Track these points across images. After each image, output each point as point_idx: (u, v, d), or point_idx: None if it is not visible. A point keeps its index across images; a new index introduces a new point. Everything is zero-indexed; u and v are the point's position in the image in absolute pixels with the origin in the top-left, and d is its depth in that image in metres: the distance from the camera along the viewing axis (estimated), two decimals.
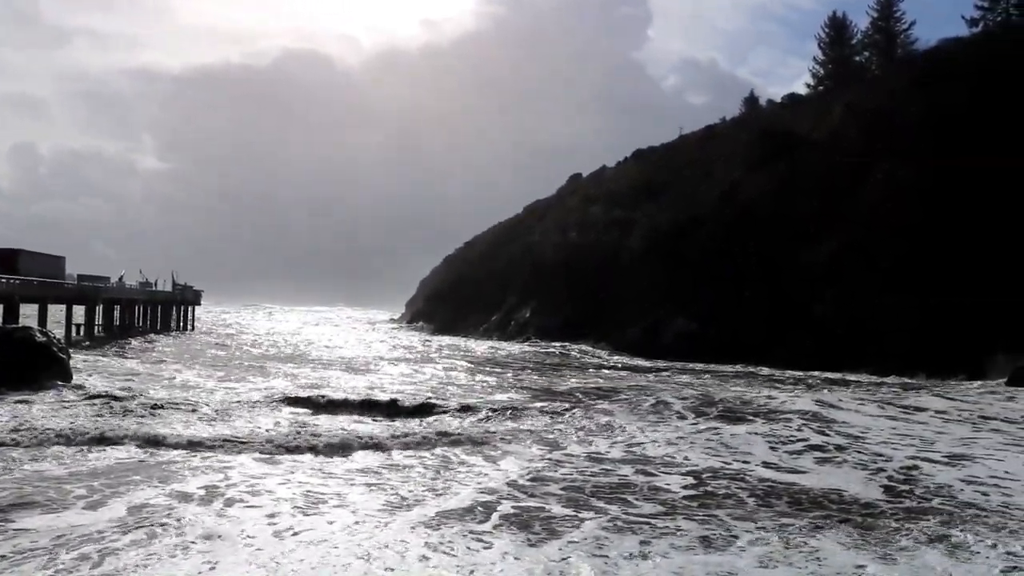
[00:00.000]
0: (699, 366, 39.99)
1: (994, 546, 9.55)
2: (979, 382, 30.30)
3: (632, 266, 55.58)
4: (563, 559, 8.82)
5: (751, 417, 19.87)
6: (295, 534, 9.55)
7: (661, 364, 41.49)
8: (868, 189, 42.50)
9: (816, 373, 35.70)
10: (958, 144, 38.58)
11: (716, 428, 18.33)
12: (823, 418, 19.83)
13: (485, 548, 9.21)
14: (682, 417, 20.22)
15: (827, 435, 17.59)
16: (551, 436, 17.11)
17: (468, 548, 9.18)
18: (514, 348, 52.75)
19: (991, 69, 41.60)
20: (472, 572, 8.38)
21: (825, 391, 27.16)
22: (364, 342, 55.95)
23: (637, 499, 11.65)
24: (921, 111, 42.66)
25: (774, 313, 42.71)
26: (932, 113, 41.61)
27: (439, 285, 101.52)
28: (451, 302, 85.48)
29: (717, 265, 47.99)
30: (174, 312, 71.38)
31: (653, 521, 10.46)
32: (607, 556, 8.90)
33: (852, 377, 34.01)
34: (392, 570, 8.36)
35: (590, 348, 51.41)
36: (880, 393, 26.92)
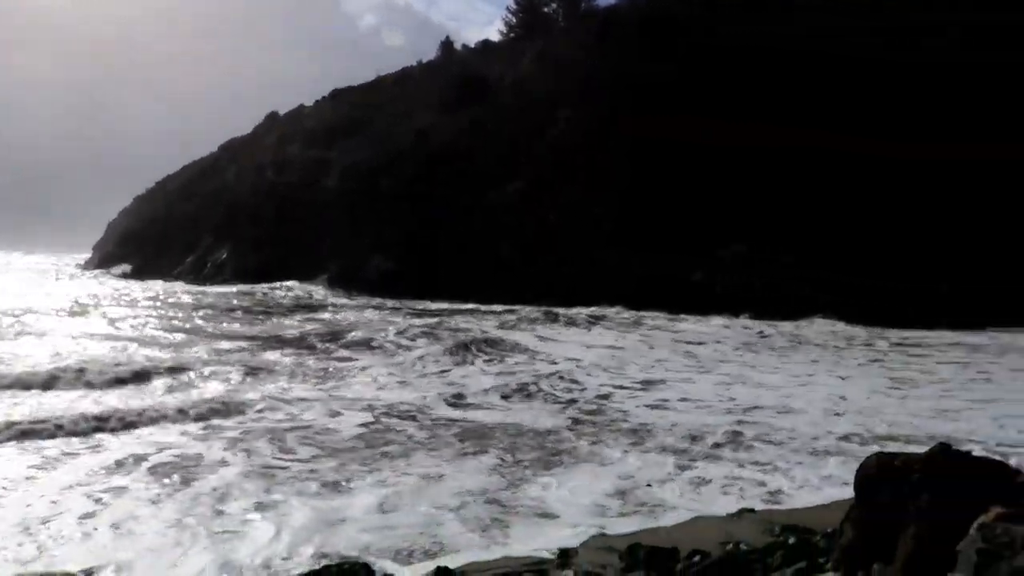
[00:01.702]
0: (418, 304, 40.71)
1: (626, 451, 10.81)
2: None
3: (330, 205, 55.28)
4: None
5: (480, 352, 20.65)
6: None
7: (371, 301, 41.89)
8: (552, 134, 45.15)
9: (496, 306, 37.83)
10: (631, 94, 42.16)
11: (446, 367, 18.69)
12: (538, 353, 20.96)
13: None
14: (424, 352, 20.66)
15: (536, 367, 18.69)
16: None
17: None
18: (215, 291, 50.37)
19: (663, 23, 45.59)
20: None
21: (538, 326, 28.72)
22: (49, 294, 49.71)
23: (303, 443, 11.39)
24: (599, 62, 45.91)
25: (466, 251, 44.61)
26: (607, 64, 44.93)
27: (131, 226, 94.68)
28: (144, 244, 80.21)
29: (413, 205, 49.05)
30: None
31: (294, 466, 10.10)
32: (224, 511, 8.37)
33: (529, 309, 36.36)
34: None
35: (291, 288, 50.59)
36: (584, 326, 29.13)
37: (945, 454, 4.65)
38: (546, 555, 6.85)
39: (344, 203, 54.09)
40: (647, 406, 14.05)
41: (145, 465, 9.87)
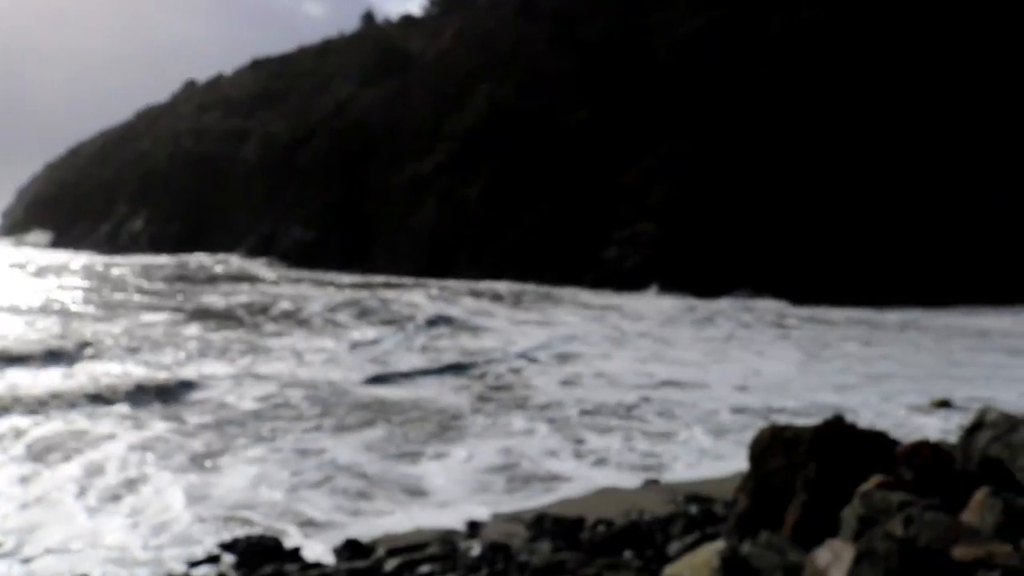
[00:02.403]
0: (334, 275, 40.29)
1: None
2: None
3: (248, 175, 54.33)
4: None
5: (406, 327, 20.53)
6: None
7: (292, 273, 41.30)
8: (472, 109, 45.03)
9: (419, 279, 37.71)
10: (545, 69, 42.47)
11: (372, 342, 18.36)
12: (463, 327, 20.93)
13: None
14: (345, 327, 20.46)
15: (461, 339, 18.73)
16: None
17: None
18: (133, 261, 48.80)
19: (578, 5, 45.93)
20: None
21: (463, 300, 28.69)
22: None
23: (201, 415, 11.12)
24: (518, 38, 45.95)
25: (387, 223, 44.40)
26: (526, 41, 45.05)
27: (42, 192, 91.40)
28: (56, 212, 77.62)
29: (333, 176, 48.53)
30: None
31: (185, 439, 9.87)
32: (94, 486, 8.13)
33: (452, 283, 36.38)
34: None
35: (208, 259, 49.49)
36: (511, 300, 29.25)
37: (831, 427, 4.89)
38: (457, 527, 6.96)
39: (263, 173, 53.22)
40: (560, 382, 14.20)
41: (24, 441, 9.45)
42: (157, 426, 10.40)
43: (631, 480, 8.46)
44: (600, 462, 9.23)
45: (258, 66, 72.38)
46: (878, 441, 4.90)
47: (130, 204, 65.10)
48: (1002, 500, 3.98)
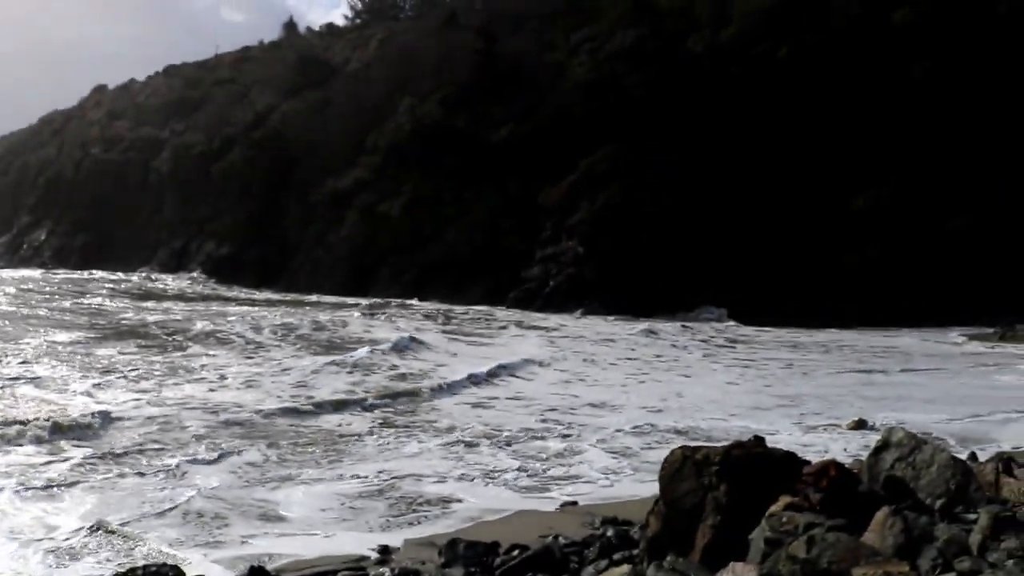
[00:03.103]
0: (252, 292, 39.42)
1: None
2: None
3: (160, 186, 52.97)
4: None
5: (325, 347, 20.05)
6: None
7: (209, 289, 40.27)
8: (394, 122, 44.77)
9: (340, 298, 37.22)
10: (470, 84, 42.54)
11: (294, 365, 17.58)
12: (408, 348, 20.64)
13: None
14: (269, 348, 19.81)
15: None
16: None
17: None
18: (33, 275, 46.78)
19: (503, 19, 46.22)
20: None
21: (395, 319, 28.28)
22: None
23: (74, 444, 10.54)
24: (443, 52, 45.92)
25: (308, 239, 43.79)
26: (451, 55, 45.05)
27: None
28: None
29: (250, 189, 47.66)
30: None
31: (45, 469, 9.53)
32: None
33: (377, 300, 36.01)
34: None
35: (118, 273, 47.86)
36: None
37: (741, 447, 4.94)
38: (365, 552, 6.81)
39: (177, 185, 51.96)
40: (471, 404, 14.05)
41: None
42: (27, 451, 10.01)
43: (519, 503, 8.39)
44: (490, 483, 9.14)
45: (172, 72, 70.61)
46: (789, 462, 4.96)
47: (33, 214, 62.84)
48: (902, 519, 4.06)
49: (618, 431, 11.77)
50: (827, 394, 15.65)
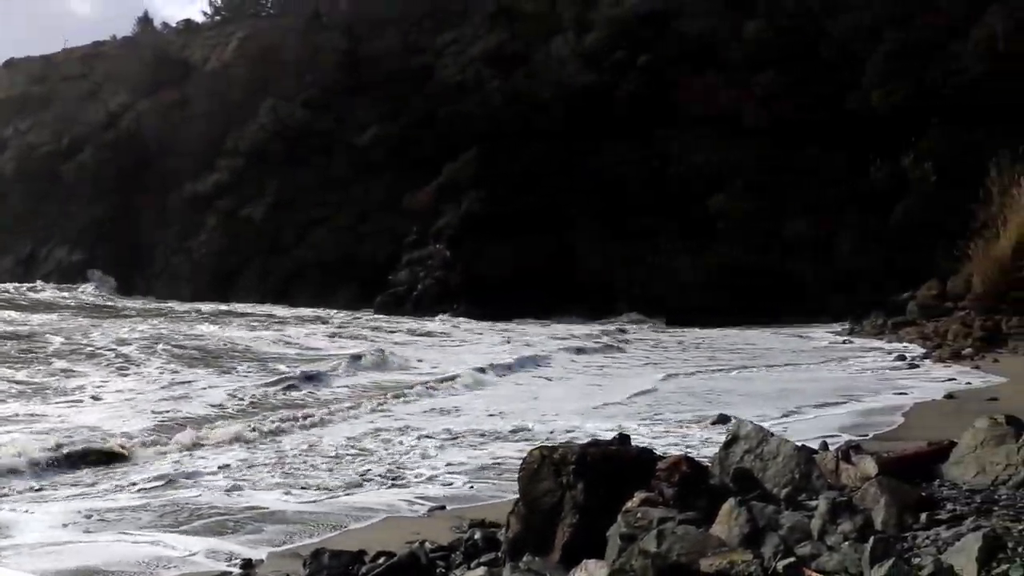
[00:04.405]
0: (118, 301, 37.38)
1: None
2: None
3: (3, 189, 49.92)
4: None
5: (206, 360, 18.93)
6: None
7: (62, 297, 38.00)
8: (255, 124, 43.70)
9: (202, 304, 36.00)
10: (333, 85, 42.04)
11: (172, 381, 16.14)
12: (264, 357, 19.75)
13: None
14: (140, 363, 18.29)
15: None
16: None
17: None
18: None
19: (369, 20, 45.91)
20: None
21: (273, 328, 27.13)
22: None
23: None
24: (307, 52, 45.17)
25: (165, 245, 42.30)
26: (315, 55, 44.37)
27: None
28: None
29: (102, 192, 45.61)
30: None
31: None
32: None
33: (240, 306, 34.98)
34: None
35: None
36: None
37: (597, 445, 5.05)
38: (226, 567, 6.59)
39: (22, 187, 49.11)
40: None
41: None
42: None
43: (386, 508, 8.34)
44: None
45: (15, 67, 66.43)
46: (644, 459, 5.10)
47: None
48: (747, 509, 4.23)
49: (446, 435, 11.68)
50: (692, 389, 16.13)
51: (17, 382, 15.31)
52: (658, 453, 5.60)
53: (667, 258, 34.35)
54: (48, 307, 33.08)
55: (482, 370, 18.06)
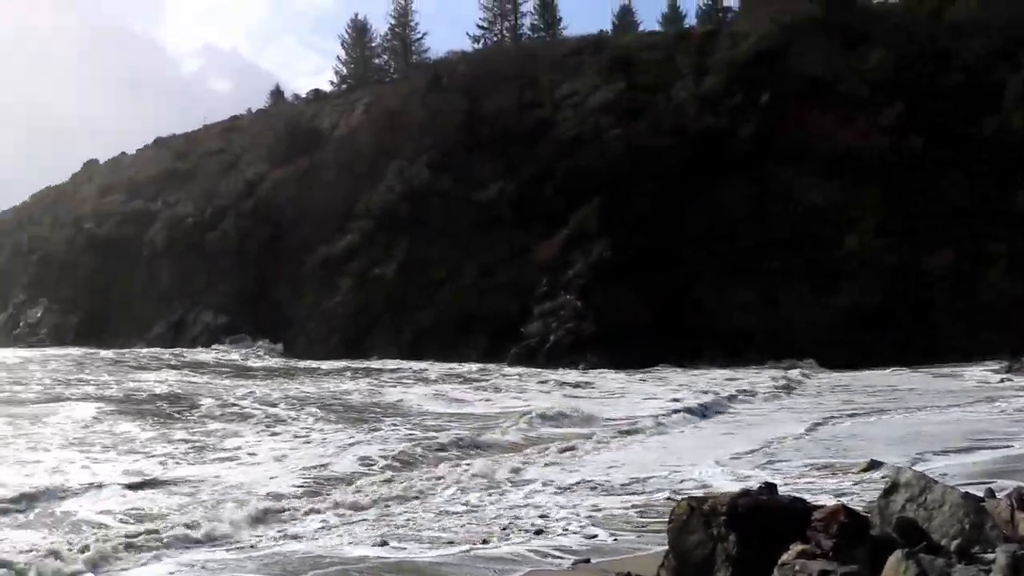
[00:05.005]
0: (260, 361, 38.96)
1: None
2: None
3: (154, 260, 52.95)
4: None
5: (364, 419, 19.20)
6: None
7: (212, 358, 39.81)
8: (383, 186, 45.09)
9: (352, 362, 36.83)
10: (456, 144, 42.92)
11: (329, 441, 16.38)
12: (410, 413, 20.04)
13: None
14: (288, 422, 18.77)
15: None
16: None
17: None
18: (34, 354, 45.53)
19: (487, 79, 46.95)
20: None
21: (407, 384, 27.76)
22: None
23: None
24: (429, 114, 46.51)
25: (297, 304, 43.82)
26: (437, 116, 45.62)
27: None
28: None
29: (243, 258, 47.79)
30: None
31: None
32: None
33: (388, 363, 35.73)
34: None
35: (119, 349, 46.88)
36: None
37: (747, 495, 4.89)
38: None
39: (170, 258, 51.98)
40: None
41: None
42: None
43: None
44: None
45: (162, 144, 71.05)
46: (797, 509, 4.91)
47: (28, 292, 62.64)
48: (916, 562, 4.01)
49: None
50: (834, 434, 15.51)
51: (177, 441, 16.10)
52: (810, 502, 5.40)
53: (798, 300, 33.47)
54: (199, 369, 34.64)
55: (656, 419, 18.18)
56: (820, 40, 38.86)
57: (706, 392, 23.41)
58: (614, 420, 18.48)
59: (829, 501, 6.40)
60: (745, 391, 23.61)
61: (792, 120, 36.81)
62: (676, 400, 21.61)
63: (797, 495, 6.21)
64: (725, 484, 10.65)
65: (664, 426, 17.79)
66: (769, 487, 6.05)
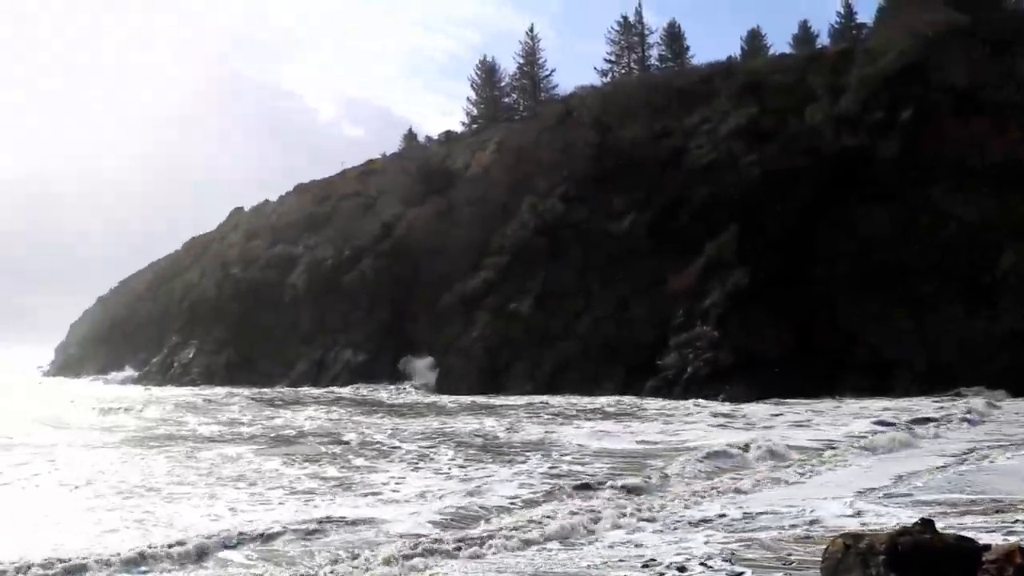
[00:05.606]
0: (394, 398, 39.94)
1: None
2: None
3: (296, 301, 55.14)
4: None
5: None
6: None
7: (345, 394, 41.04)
8: (517, 221, 45.59)
9: (482, 396, 37.24)
10: (588, 177, 43.06)
11: (471, 475, 16.55)
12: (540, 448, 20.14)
13: None
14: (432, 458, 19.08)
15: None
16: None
17: None
18: (185, 392, 48.21)
19: (616, 111, 47.00)
20: None
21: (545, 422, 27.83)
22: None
23: None
24: (560, 148, 46.90)
25: (434, 342, 44.61)
26: (568, 150, 45.92)
27: (94, 328, 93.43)
28: (108, 345, 79.06)
29: (380, 297, 49.19)
30: None
31: None
32: None
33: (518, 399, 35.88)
34: None
35: (263, 388, 48.76)
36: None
37: (908, 533, 4.58)
38: None
39: (311, 298, 54.01)
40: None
41: None
42: None
43: None
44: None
45: (302, 190, 74.17)
46: (963, 547, 4.57)
47: (180, 335, 66.20)
48: None
49: None
50: (996, 470, 14.54)
51: (328, 478, 16.54)
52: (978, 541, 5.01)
53: (950, 325, 31.70)
54: (342, 405, 35.67)
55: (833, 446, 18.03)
56: (965, 49, 37.10)
57: (884, 423, 22.25)
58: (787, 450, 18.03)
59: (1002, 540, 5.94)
60: (930, 419, 22.88)
61: (937, 133, 35.18)
62: (851, 435, 20.54)
63: (962, 534, 5.79)
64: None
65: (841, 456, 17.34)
66: (926, 523, 5.67)
